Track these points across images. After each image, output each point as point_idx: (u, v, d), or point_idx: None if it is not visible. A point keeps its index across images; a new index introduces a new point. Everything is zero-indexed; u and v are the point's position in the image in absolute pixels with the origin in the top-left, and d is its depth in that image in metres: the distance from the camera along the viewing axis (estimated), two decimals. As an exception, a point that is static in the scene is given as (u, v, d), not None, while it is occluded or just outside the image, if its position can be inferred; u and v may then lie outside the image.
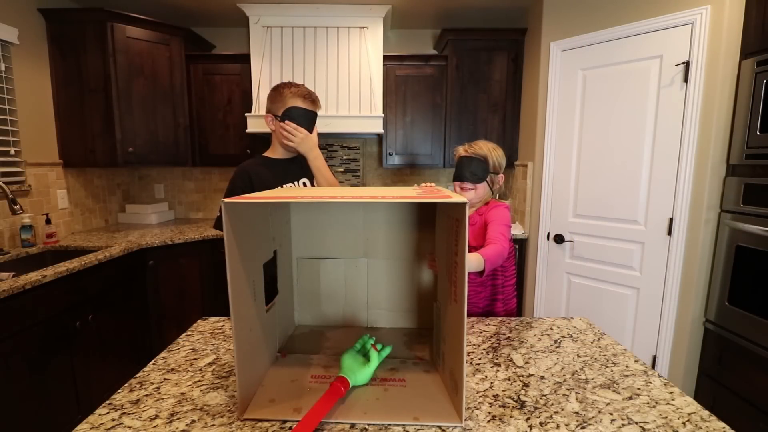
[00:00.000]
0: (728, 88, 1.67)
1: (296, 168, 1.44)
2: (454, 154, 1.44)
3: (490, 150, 1.37)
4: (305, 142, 1.37)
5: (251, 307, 0.78)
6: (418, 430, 0.68)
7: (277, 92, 1.36)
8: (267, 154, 1.44)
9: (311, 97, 1.37)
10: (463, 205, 0.66)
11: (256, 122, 2.48)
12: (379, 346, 0.87)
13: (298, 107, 1.34)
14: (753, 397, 1.55)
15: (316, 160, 1.41)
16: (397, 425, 0.69)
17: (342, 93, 2.56)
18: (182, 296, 2.42)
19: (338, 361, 0.83)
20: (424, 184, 1.22)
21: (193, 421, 0.70)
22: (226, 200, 0.64)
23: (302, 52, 2.54)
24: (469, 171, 1.35)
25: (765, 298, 1.52)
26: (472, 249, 1.35)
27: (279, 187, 1.35)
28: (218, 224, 1.33)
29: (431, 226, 1.03)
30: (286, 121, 1.33)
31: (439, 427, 0.68)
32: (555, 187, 2.31)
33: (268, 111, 1.39)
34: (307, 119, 1.36)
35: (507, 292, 1.42)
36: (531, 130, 2.46)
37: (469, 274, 1.33)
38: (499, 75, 2.65)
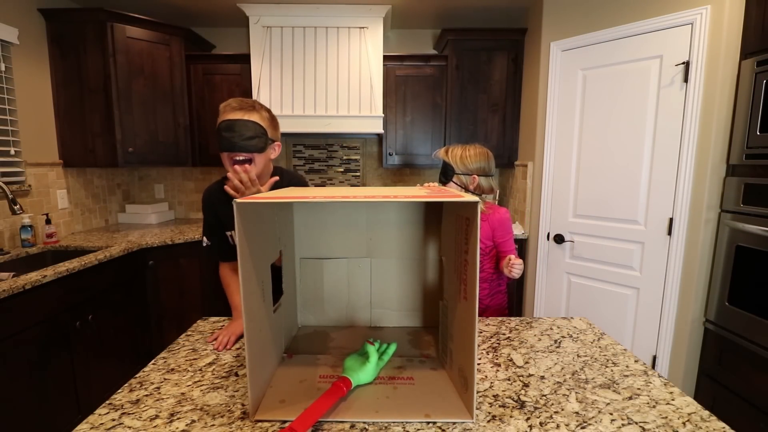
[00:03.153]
0: (728, 88, 1.67)
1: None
2: None
3: (450, 153, 1.45)
4: (255, 186, 1.07)
5: (261, 308, 0.78)
6: (418, 429, 0.68)
7: None
8: None
9: (233, 104, 1.08)
10: (475, 204, 0.67)
11: (256, 122, 2.48)
12: (376, 344, 0.87)
13: (223, 120, 1.06)
14: (753, 397, 1.55)
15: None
16: (398, 423, 0.69)
17: (342, 93, 2.56)
18: (182, 296, 2.42)
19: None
20: (427, 184, 1.23)
21: (193, 421, 0.70)
22: (237, 201, 0.65)
23: (302, 52, 2.54)
24: (441, 173, 1.49)
25: (765, 298, 1.52)
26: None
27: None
28: (209, 253, 1.26)
29: (434, 225, 1.04)
30: (235, 166, 1.05)
31: (440, 427, 0.68)
32: (555, 187, 2.31)
33: None
34: (237, 131, 1.05)
35: (503, 287, 1.53)
36: (531, 130, 2.46)
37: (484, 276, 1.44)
38: (499, 75, 2.65)
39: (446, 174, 1.45)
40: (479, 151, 1.44)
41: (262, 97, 2.52)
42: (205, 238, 1.28)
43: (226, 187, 1.09)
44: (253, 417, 0.70)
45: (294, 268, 1.07)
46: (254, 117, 1.08)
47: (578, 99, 2.15)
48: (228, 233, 1.24)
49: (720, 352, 1.72)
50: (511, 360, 0.93)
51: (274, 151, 1.16)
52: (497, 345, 1.01)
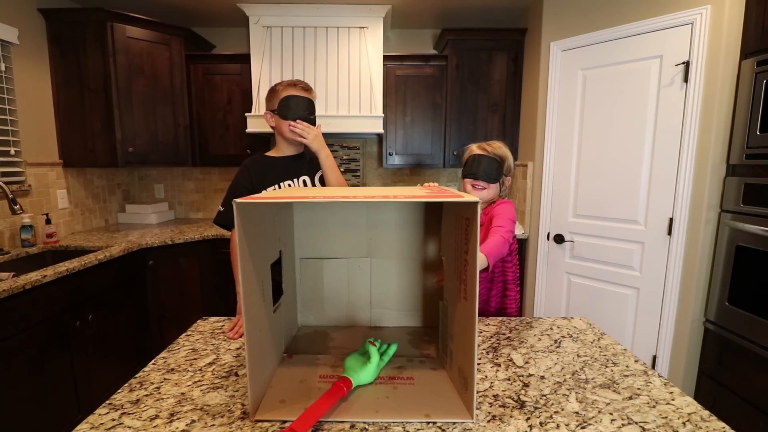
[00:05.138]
0: (728, 88, 1.67)
1: (298, 165, 1.44)
2: (464, 151, 1.45)
3: (506, 152, 1.39)
4: (318, 140, 1.38)
5: (261, 308, 0.78)
6: (418, 429, 0.68)
7: (271, 90, 1.41)
8: (270, 153, 1.45)
9: (301, 85, 1.39)
10: (474, 204, 0.67)
11: (256, 122, 2.48)
12: (377, 344, 0.87)
13: (292, 95, 1.35)
14: (753, 397, 1.55)
15: (328, 158, 1.41)
16: (398, 423, 0.69)
17: (342, 93, 2.56)
18: (182, 296, 2.42)
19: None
20: (427, 184, 1.22)
21: (193, 421, 0.70)
22: (237, 200, 0.65)
23: (302, 52, 2.54)
24: (483, 170, 1.35)
25: (765, 298, 1.52)
26: None
27: (276, 186, 1.35)
28: (219, 219, 1.36)
29: (434, 225, 1.04)
30: (298, 120, 1.35)
31: (440, 427, 0.68)
32: (555, 187, 2.31)
33: (266, 111, 1.42)
34: (303, 106, 1.36)
35: (513, 288, 1.45)
36: (531, 130, 2.46)
37: (480, 273, 1.35)
38: (499, 75, 2.65)
39: (490, 174, 1.34)
40: (511, 155, 1.41)
41: (262, 97, 2.51)
42: (221, 207, 1.37)
43: (293, 135, 1.36)
44: (253, 417, 0.70)
45: (294, 268, 1.07)
46: (312, 97, 1.39)
47: (578, 99, 2.15)
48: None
49: (720, 352, 1.72)
50: (511, 360, 0.93)
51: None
52: (497, 345, 1.01)
